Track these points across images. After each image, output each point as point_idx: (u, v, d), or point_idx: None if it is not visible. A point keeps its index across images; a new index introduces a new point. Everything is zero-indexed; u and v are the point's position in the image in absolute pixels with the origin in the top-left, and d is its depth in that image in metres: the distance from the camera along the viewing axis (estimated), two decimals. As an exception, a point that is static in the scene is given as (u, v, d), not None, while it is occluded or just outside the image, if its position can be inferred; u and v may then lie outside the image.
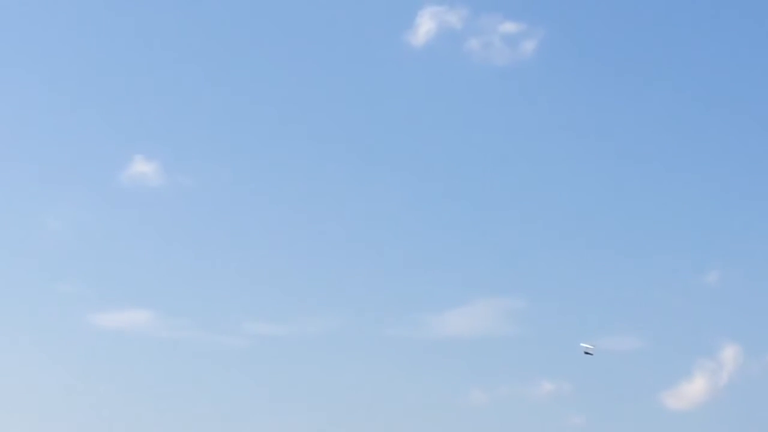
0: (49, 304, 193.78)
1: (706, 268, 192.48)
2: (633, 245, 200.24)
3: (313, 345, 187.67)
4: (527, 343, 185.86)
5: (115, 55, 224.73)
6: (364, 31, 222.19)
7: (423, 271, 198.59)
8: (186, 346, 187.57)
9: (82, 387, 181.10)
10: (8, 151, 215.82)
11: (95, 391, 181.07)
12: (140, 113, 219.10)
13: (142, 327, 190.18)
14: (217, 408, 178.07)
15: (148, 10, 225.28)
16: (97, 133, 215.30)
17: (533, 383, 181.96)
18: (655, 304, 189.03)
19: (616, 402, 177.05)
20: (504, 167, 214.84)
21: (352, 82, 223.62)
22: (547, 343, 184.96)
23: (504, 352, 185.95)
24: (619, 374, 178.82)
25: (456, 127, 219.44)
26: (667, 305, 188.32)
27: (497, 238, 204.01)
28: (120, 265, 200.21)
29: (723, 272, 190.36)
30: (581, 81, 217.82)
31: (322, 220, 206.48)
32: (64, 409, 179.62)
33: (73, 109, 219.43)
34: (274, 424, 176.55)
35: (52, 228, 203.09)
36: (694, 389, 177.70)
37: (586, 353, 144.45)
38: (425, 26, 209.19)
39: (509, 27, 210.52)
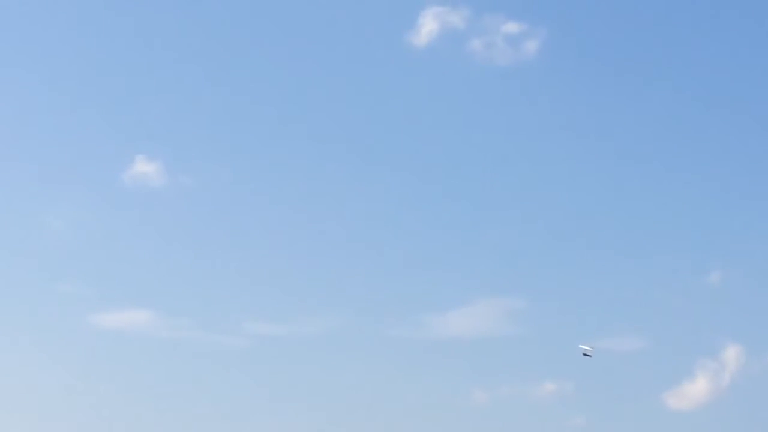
0: (50, 303, 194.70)
1: (707, 269, 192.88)
2: (634, 245, 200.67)
3: (313, 345, 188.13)
4: (528, 343, 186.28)
5: (116, 55, 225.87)
6: (367, 31, 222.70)
7: (424, 271, 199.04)
8: (186, 346, 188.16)
9: (82, 386, 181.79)
10: (10, 151, 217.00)
11: (95, 390, 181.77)
12: (142, 113, 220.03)
13: (142, 327, 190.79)
14: (217, 408, 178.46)
15: (149, 10, 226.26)
16: (98, 133, 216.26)
17: (535, 383, 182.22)
18: (657, 304, 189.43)
19: (617, 402, 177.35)
20: (505, 167, 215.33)
21: (354, 83, 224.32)
22: (549, 343, 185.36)
23: (505, 352, 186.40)
24: (621, 374, 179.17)
25: (458, 127, 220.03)
26: (668, 305, 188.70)
27: (498, 238, 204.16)
28: (121, 265, 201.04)
29: (724, 272, 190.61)
30: (583, 81, 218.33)
31: (323, 220, 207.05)
32: (65, 408, 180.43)
33: (74, 109, 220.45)
34: (274, 424, 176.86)
35: (53, 228, 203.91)
36: (696, 389, 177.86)
37: (585, 355, 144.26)
38: (428, 27, 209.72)
39: (511, 27, 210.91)
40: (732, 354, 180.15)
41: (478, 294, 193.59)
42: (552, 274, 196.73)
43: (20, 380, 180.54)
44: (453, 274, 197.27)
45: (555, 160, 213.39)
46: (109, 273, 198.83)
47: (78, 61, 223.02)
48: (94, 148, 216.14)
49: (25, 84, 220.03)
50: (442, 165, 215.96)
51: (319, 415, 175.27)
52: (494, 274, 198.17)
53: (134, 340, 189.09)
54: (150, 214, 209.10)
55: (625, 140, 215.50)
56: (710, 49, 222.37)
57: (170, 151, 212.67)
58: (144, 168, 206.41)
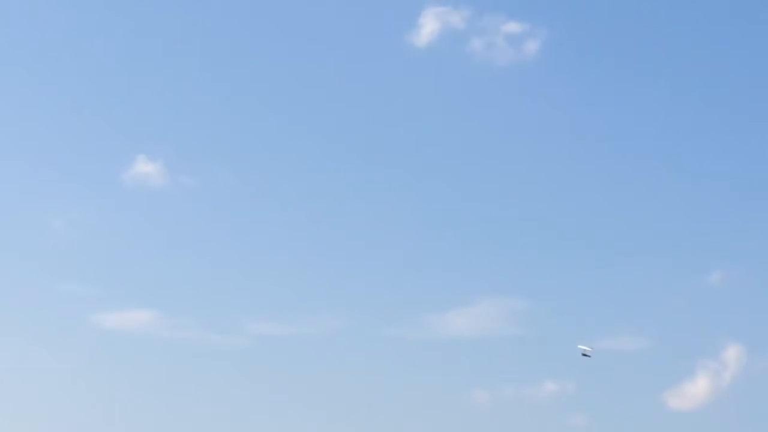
0: (53, 303, 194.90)
1: (708, 269, 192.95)
2: (635, 245, 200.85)
3: (314, 345, 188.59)
4: (530, 343, 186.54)
5: (117, 55, 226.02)
6: (367, 31, 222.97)
7: (424, 271, 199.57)
8: (188, 346, 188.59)
9: (84, 386, 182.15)
10: (11, 151, 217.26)
11: (98, 390, 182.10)
12: (143, 114, 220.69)
13: (144, 327, 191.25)
14: (219, 407, 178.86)
15: (150, 10, 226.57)
16: (100, 133, 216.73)
17: (536, 383, 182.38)
18: (658, 304, 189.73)
19: (619, 402, 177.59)
20: (505, 167, 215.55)
21: (356, 83, 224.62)
22: (550, 343, 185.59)
23: (506, 352, 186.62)
24: (622, 374, 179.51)
25: (458, 127, 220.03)
26: (670, 305, 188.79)
27: (499, 238, 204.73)
28: (122, 265, 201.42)
29: (725, 272, 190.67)
30: (583, 81, 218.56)
31: (323, 220, 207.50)
32: (67, 408, 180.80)
33: (76, 109, 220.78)
34: (274, 423, 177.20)
35: (54, 228, 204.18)
36: (697, 389, 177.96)
37: (584, 355, 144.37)
38: (428, 27, 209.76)
39: (512, 27, 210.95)
40: (732, 354, 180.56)
41: (479, 294, 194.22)
42: (552, 274, 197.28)
43: (22, 380, 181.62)
44: (453, 274, 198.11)
45: (555, 159, 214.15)
46: (110, 273, 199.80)
47: (79, 61, 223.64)
48: (95, 148, 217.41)
49: (26, 84, 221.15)
50: (442, 165, 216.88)
51: (319, 415, 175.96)
52: (495, 274, 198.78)
53: (136, 340, 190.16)
54: (151, 214, 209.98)
55: (626, 140, 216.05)
56: (710, 49, 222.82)
57: (171, 151, 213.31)
58: (145, 168, 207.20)
